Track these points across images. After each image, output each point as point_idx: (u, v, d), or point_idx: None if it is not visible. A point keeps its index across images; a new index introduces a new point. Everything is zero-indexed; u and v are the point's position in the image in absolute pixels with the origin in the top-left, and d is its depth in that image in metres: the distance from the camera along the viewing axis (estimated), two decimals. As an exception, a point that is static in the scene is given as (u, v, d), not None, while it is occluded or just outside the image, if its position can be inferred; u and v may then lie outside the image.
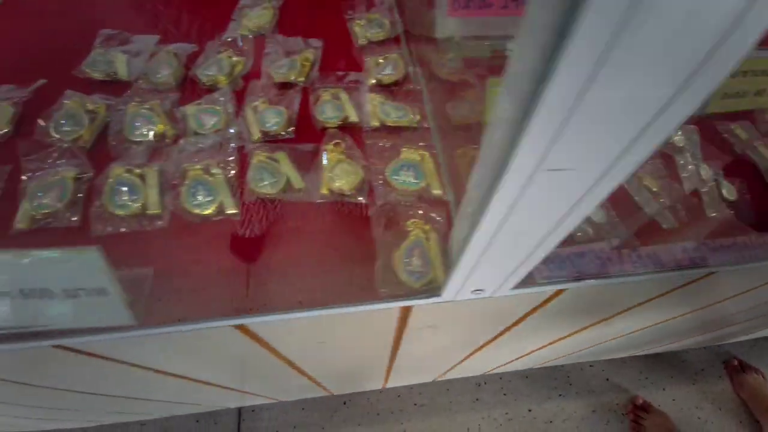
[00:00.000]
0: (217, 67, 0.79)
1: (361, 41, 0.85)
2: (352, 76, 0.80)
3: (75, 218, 0.62)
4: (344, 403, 1.75)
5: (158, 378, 0.79)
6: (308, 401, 1.72)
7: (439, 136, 0.74)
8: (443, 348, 0.96)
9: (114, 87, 0.78)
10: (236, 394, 1.16)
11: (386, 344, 0.83)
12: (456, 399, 1.77)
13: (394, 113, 0.73)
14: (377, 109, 0.73)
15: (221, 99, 0.75)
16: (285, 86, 0.80)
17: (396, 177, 0.65)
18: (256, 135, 0.70)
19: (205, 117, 0.71)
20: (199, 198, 0.63)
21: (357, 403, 1.75)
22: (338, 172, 0.66)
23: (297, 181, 0.66)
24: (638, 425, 1.54)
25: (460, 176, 0.69)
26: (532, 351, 1.16)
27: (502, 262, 0.49)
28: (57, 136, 0.69)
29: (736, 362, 1.66)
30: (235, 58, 0.80)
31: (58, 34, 0.87)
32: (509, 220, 0.37)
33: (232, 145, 0.69)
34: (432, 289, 0.57)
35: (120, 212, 0.62)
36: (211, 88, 0.77)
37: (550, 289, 0.61)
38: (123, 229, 0.62)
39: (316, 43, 0.86)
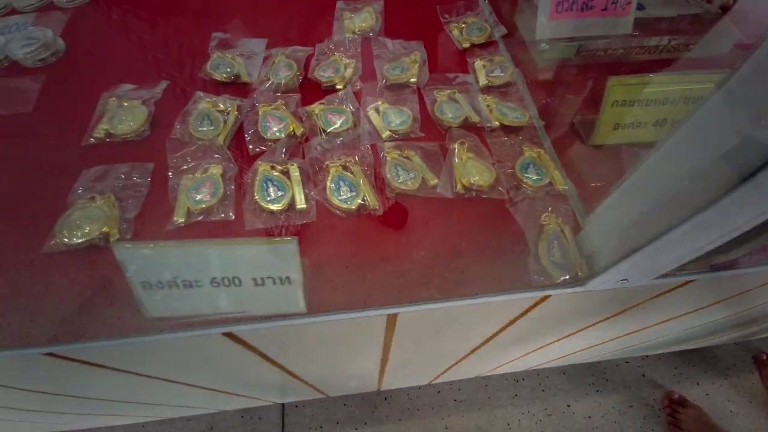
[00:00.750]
0: (333, 68, 0.82)
1: (464, 44, 0.89)
2: (460, 77, 0.84)
3: (231, 213, 0.64)
4: (385, 399, 1.77)
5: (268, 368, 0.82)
6: (349, 397, 1.74)
7: (546, 134, 0.78)
8: (524, 339, 1.00)
9: (235, 88, 0.82)
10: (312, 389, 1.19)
11: (487, 334, 0.87)
12: (495, 395, 1.80)
13: (511, 113, 0.77)
14: (493, 110, 0.77)
15: (344, 99, 0.78)
16: (395, 87, 0.83)
17: (525, 174, 0.69)
18: (386, 133, 0.73)
19: (333, 116, 0.75)
20: (343, 193, 0.66)
21: (397, 399, 1.78)
22: (470, 169, 0.69)
23: (431, 177, 0.69)
24: (675, 419, 1.58)
25: (576, 171, 0.73)
26: (595, 345, 1.20)
27: (661, 255, 0.53)
28: (196, 135, 0.72)
29: (765, 357, 1.72)
30: (346, 60, 0.84)
31: (172, 38, 0.90)
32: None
33: (366, 143, 0.72)
34: (574, 279, 0.61)
35: (272, 207, 0.64)
36: (329, 89, 0.80)
37: (680, 279, 0.65)
38: (274, 224, 0.65)
39: (417, 45, 0.89)
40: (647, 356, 1.80)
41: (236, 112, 0.75)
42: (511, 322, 0.77)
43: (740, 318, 1.14)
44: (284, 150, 0.71)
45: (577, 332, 0.96)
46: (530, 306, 0.69)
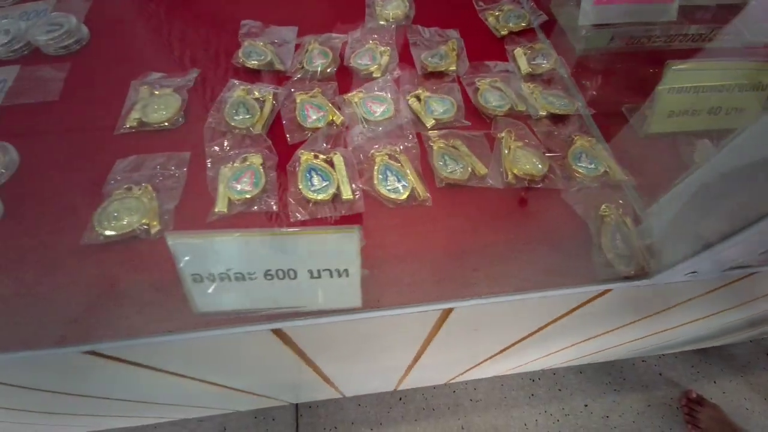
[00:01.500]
0: (369, 56, 0.79)
1: (502, 32, 0.86)
2: (500, 66, 0.81)
3: (273, 203, 0.61)
4: (399, 399, 1.75)
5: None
6: (363, 398, 1.72)
7: (595, 122, 0.75)
8: (557, 337, 0.98)
9: (267, 76, 0.79)
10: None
11: (526, 332, 0.85)
12: (510, 395, 1.78)
13: (558, 102, 0.74)
14: (538, 98, 0.74)
15: (384, 87, 0.75)
16: (433, 75, 0.80)
17: (579, 163, 0.66)
18: (430, 122, 0.70)
19: (373, 105, 0.72)
20: (391, 183, 0.63)
21: (412, 398, 1.76)
22: (519, 159, 0.66)
23: (480, 167, 0.66)
24: (693, 418, 1.57)
25: (629, 160, 0.70)
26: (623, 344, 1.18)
27: (735, 248, 0.50)
28: (233, 123, 0.69)
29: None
30: (381, 48, 0.81)
31: (199, 25, 0.87)
32: None
33: (410, 132, 0.69)
34: (639, 271, 0.58)
35: (317, 197, 0.61)
36: (367, 78, 0.77)
37: (741, 272, 0.63)
38: (320, 214, 0.62)
39: (453, 33, 0.87)
40: (663, 355, 1.78)
41: (272, 100, 0.72)
42: (556, 319, 0.75)
43: (754, 318, 1.13)
44: (324, 138, 0.68)
45: (612, 330, 0.94)
46: (585, 301, 0.66)
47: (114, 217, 0.58)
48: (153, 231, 0.59)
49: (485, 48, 0.86)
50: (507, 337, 0.87)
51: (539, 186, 0.66)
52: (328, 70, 0.78)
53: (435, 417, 1.75)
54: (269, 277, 0.50)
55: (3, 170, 0.63)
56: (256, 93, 0.73)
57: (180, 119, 0.71)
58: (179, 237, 0.46)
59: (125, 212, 0.59)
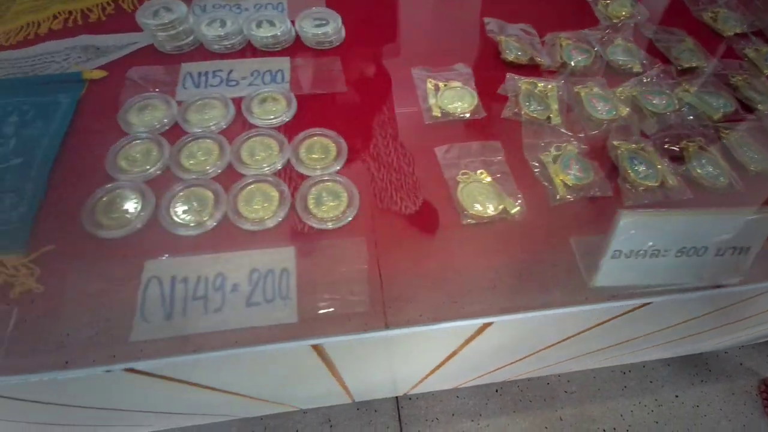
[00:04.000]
0: (623, 51, 0.84)
1: (728, 32, 0.92)
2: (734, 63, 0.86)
3: (608, 190, 0.67)
4: (496, 391, 1.79)
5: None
6: (461, 390, 1.75)
7: None
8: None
9: (525, 70, 0.83)
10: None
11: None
12: (604, 387, 1.83)
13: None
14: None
15: (655, 82, 0.80)
16: (686, 71, 0.86)
17: None
18: (717, 115, 0.75)
19: (652, 97, 0.77)
20: (709, 171, 0.68)
21: (508, 390, 1.79)
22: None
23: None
24: (770, 403, 1.68)
25: None
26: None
27: None
28: (532, 115, 0.74)
29: None
30: (629, 45, 0.86)
31: (445, 22, 0.92)
32: None
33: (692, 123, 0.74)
34: None
35: (647, 183, 0.66)
36: (627, 73, 0.82)
37: None
38: (652, 200, 0.66)
39: (680, 32, 0.92)
40: (743, 346, 1.88)
41: (555, 93, 0.76)
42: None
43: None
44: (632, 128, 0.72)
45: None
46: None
47: (477, 201, 0.62)
48: (513, 211, 0.62)
49: (710, 46, 0.90)
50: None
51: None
52: (592, 66, 0.81)
53: (532, 408, 1.79)
54: (679, 255, 0.54)
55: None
56: (539, 86, 0.76)
57: (482, 111, 0.73)
58: (631, 215, 0.50)
59: (481, 196, 0.63)
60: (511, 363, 0.96)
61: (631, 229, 0.50)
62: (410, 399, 1.73)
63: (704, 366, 1.92)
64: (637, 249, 0.53)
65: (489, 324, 0.56)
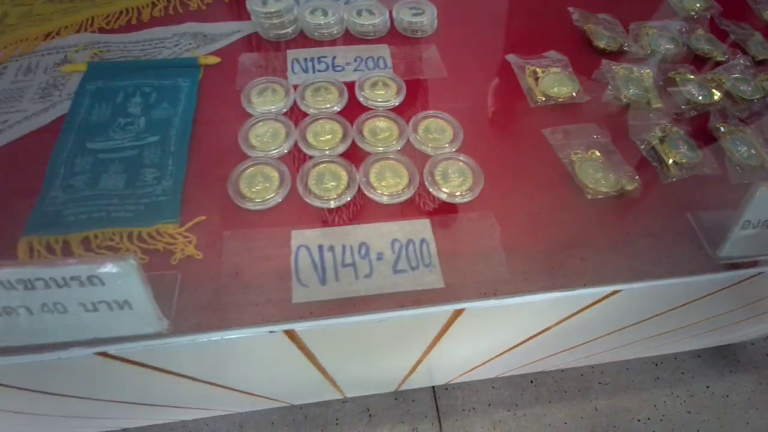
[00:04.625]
0: (708, 41, 0.88)
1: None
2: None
3: (716, 166, 0.70)
4: (531, 382, 1.82)
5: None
6: (497, 380, 1.78)
7: None
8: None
9: (613, 57, 0.87)
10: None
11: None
12: (636, 378, 1.87)
13: None
14: None
15: (742, 70, 0.84)
16: (763, 62, 0.89)
17: None
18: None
19: (740, 85, 0.81)
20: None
21: (543, 381, 1.83)
22: None
23: None
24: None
25: None
26: None
27: None
28: (631, 97, 0.78)
29: None
30: (709, 35, 0.90)
31: (531, 13, 0.96)
32: None
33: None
34: None
35: (752, 163, 0.70)
36: (711, 61, 0.86)
37: None
38: (748, 180, 0.70)
39: (748, 27, 0.96)
40: (768, 338, 1.93)
41: (651, 78, 0.80)
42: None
43: None
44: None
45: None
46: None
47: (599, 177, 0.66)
48: (631, 188, 0.66)
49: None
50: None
51: None
52: (678, 54, 0.86)
53: (568, 399, 1.83)
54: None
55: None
56: (635, 71, 0.80)
57: (584, 95, 0.77)
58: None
59: (603, 171, 0.67)
60: (571, 348, 1.00)
61: (765, 200, 0.54)
62: (446, 389, 1.76)
63: (733, 357, 1.97)
64: (765, 219, 0.56)
65: (615, 292, 0.60)
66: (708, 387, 1.88)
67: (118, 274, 0.43)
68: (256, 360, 0.66)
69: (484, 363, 1.06)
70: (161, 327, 0.48)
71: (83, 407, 0.76)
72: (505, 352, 0.92)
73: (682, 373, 1.91)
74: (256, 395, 0.98)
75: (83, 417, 0.86)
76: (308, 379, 0.86)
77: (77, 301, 0.45)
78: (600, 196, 0.64)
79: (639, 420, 1.73)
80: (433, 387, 1.74)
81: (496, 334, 0.75)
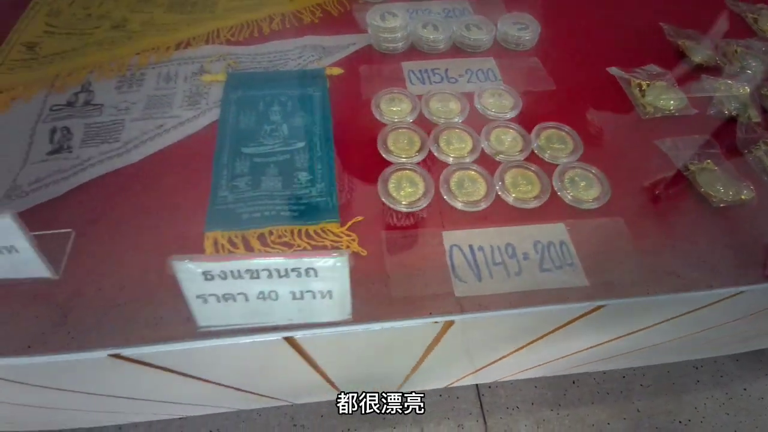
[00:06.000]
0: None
1: None
2: None
3: None
4: (573, 383, 1.86)
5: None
6: (540, 380, 1.82)
7: None
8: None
9: (706, 72, 0.91)
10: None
11: None
12: (678, 381, 1.91)
13: None
14: None
15: None
16: None
17: None
18: None
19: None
20: None
21: (585, 382, 1.86)
22: None
23: None
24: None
25: None
26: None
27: None
28: (735, 113, 0.83)
29: None
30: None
31: (623, 26, 1.01)
32: None
33: None
34: None
35: None
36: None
37: None
38: None
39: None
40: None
41: (749, 94, 0.86)
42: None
43: None
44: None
45: None
46: None
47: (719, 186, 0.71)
48: (746, 197, 0.71)
49: None
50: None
51: None
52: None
53: (610, 400, 1.86)
54: None
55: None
56: (733, 87, 0.86)
57: (690, 108, 0.83)
58: None
59: (722, 181, 0.72)
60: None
61: None
62: (489, 387, 1.80)
63: (769, 360, 2.02)
64: None
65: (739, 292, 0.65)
66: (745, 389, 1.92)
67: (334, 267, 0.48)
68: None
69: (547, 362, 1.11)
70: (348, 315, 0.54)
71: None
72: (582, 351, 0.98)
73: (721, 377, 1.95)
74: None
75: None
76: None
77: (289, 289, 0.50)
78: (722, 205, 0.69)
79: (680, 422, 1.76)
80: (476, 385, 1.78)
81: (606, 333, 0.80)
